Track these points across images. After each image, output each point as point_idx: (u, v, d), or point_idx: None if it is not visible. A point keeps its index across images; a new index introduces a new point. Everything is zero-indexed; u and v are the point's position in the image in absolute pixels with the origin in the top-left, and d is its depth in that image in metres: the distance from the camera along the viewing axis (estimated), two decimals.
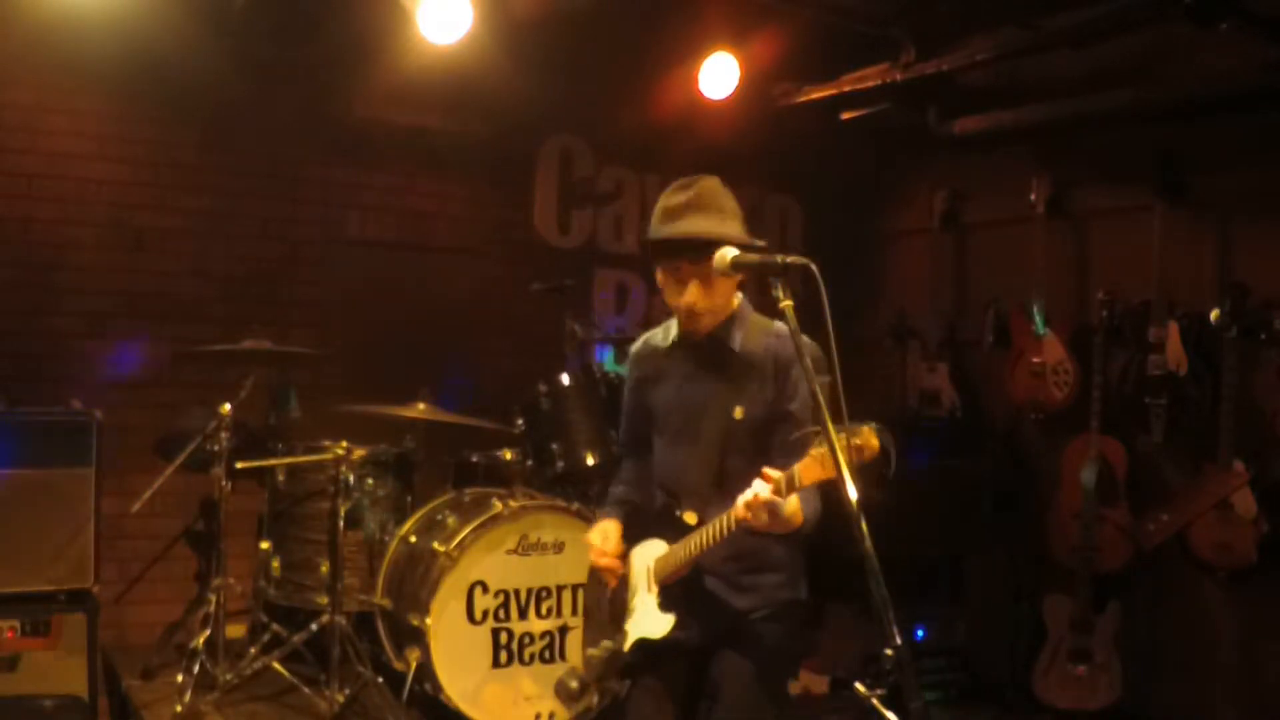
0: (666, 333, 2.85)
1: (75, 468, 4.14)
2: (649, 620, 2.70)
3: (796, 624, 2.78)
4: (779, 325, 2.64)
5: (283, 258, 5.20)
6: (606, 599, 2.84)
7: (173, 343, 4.80)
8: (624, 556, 2.82)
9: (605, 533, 2.86)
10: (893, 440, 2.18)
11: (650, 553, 2.75)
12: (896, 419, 5.64)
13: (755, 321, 2.74)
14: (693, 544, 2.60)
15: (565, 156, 5.89)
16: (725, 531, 2.49)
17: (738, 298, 2.76)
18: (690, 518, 2.65)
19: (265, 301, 5.11)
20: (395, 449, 4.56)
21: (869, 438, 2.17)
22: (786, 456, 2.37)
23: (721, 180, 2.72)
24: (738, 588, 2.70)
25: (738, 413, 2.62)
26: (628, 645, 2.73)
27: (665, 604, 2.67)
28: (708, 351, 2.71)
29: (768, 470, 2.35)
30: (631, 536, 2.83)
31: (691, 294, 2.63)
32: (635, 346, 2.96)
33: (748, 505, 2.36)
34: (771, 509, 2.35)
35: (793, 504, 2.41)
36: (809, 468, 2.26)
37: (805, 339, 2.37)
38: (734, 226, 2.65)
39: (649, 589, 2.72)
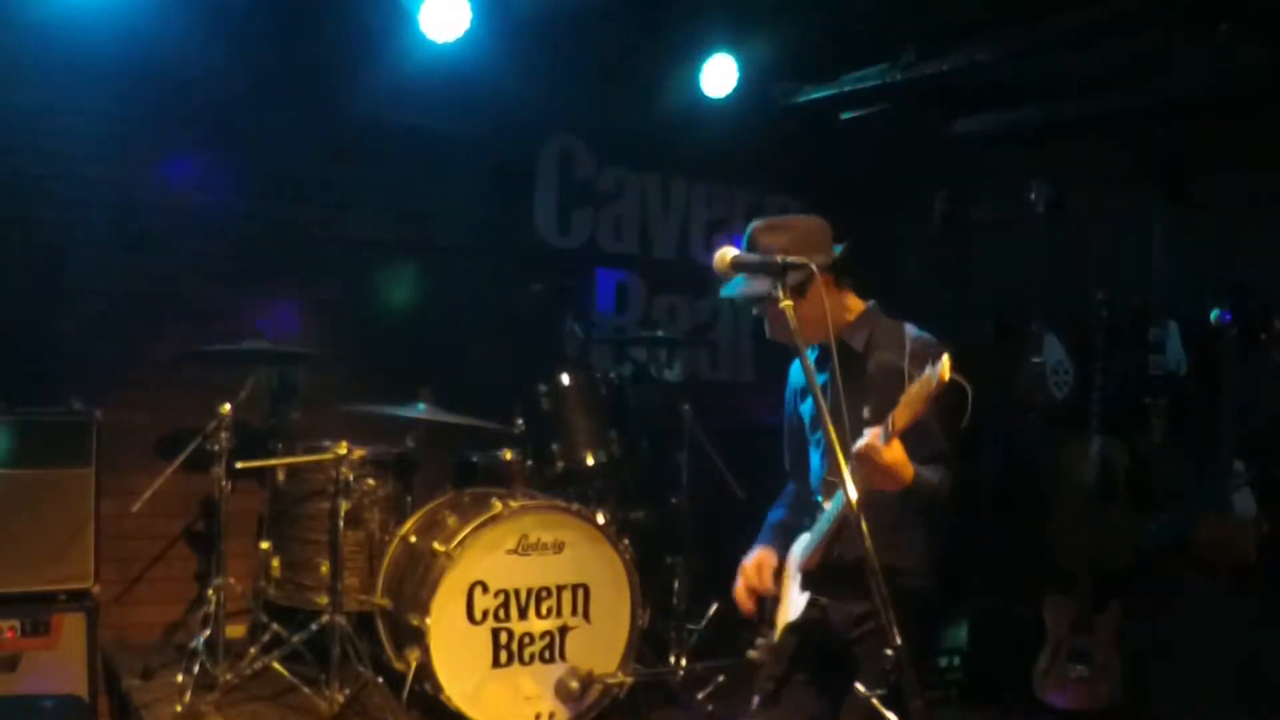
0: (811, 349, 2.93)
1: (75, 468, 4.15)
2: (792, 605, 2.84)
3: (911, 613, 2.73)
4: (907, 328, 2.81)
5: (283, 257, 5.20)
6: (770, 604, 2.96)
7: (173, 343, 4.80)
8: (778, 571, 2.95)
9: (760, 565, 2.96)
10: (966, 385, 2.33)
11: (798, 547, 2.90)
12: None
13: (882, 325, 2.90)
14: (821, 524, 2.73)
15: (565, 156, 5.90)
16: (845, 500, 2.45)
17: (864, 304, 2.94)
18: (826, 505, 2.75)
19: (265, 301, 5.11)
20: (395, 449, 4.56)
21: (944, 367, 2.29)
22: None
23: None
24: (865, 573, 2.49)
25: (866, 413, 2.69)
26: (778, 634, 2.87)
27: (804, 586, 2.82)
28: (838, 358, 2.76)
29: (868, 429, 2.48)
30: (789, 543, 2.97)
31: (767, 328, 2.83)
32: (792, 366, 3.06)
33: (856, 455, 2.44)
34: (874, 458, 2.43)
35: (896, 453, 2.46)
36: (901, 412, 2.39)
37: (927, 337, 2.72)
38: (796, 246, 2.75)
39: (794, 578, 2.87)
